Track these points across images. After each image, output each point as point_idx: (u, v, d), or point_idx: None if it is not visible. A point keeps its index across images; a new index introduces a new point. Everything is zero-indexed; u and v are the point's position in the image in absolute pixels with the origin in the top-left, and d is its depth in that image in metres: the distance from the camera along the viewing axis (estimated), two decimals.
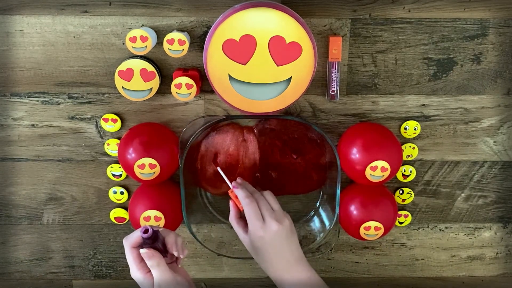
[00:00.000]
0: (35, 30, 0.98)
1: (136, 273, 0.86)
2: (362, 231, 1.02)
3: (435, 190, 1.10)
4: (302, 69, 0.92)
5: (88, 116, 1.03)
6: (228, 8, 0.94)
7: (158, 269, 0.85)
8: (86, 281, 1.14)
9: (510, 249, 1.14)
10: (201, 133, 1.00)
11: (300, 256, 0.96)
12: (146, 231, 0.84)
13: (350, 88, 1.02)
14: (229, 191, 0.98)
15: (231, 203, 0.98)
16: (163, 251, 0.87)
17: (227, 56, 0.91)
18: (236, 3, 0.94)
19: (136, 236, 0.86)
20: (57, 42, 0.99)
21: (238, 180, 0.99)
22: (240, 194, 0.96)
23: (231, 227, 1.08)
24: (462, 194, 1.10)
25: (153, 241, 0.85)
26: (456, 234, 1.13)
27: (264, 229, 0.94)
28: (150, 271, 0.86)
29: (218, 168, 1.00)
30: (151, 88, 0.98)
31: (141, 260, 0.86)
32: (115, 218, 1.08)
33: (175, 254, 0.87)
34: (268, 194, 0.98)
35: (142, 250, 0.85)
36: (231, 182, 0.98)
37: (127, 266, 1.12)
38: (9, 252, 1.11)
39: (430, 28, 0.99)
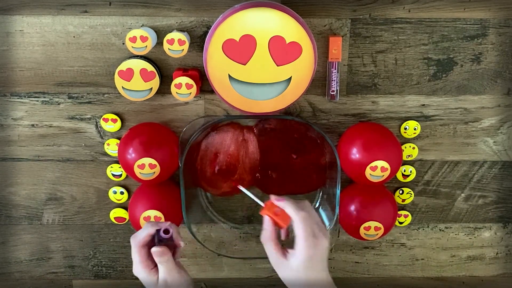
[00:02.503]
0: (35, 30, 0.98)
1: (141, 270, 0.87)
2: (362, 231, 1.02)
3: (435, 190, 1.09)
4: (302, 69, 0.92)
5: (88, 116, 1.03)
6: (228, 8, 0.94)
7: (167, 265, 0.86)
8: (86, 281, 1.14)
9: (510, 249, 1.14)
10: (201, 133, 1.00)
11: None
12: (167, 232, 0.86)
13: (350, 88, 1.02)
14: (264, 210, 0.86)
15: (267, 221, 0.85)
16: (172, 246, 0.88)
17: (227, 56, 0.91)
18: (236, 3, 0.94)
19: (145, 235, 0.87)
20: (57, 42, 0.98)
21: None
22: (290, 206, 0.82)
23: (231, 227, 1.08)
24: (462, 194, 1.10)
25: (169, 239, 0.87)
26: (456, 234, 1.13)
27: (316, 247, 0.81)
28: (154, 268, 0.87)
29: (240, 187, 0.93)
30: (151, 88, 0.98)
31: (147, 257, 0.87)
32: (115, 218, 1.08)
33: (182, 245, 0.88)
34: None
35: (155, 249, 0.86)
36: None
37: (127, 266, 1.12)
38: (9, 252, 1.11)
39: (430, 28, 0.99)
